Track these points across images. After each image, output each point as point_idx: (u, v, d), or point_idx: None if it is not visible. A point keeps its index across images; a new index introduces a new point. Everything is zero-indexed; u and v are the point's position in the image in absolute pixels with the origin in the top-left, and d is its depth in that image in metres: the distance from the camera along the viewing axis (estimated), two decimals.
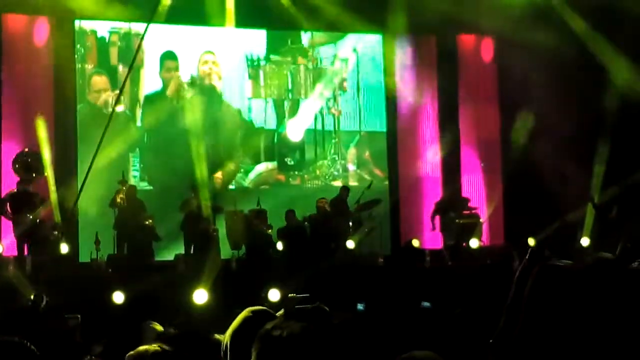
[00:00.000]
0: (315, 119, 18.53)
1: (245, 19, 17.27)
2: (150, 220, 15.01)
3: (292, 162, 18.36)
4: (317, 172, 18.43)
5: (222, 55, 17.80)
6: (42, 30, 16.29)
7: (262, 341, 2.72)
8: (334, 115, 18.68)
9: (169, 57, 17.64)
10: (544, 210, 16.89)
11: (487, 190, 18.42)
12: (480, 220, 16.69)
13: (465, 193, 17.91)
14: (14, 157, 14.77)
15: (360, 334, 4.66)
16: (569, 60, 16.00)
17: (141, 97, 17.41)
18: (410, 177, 18.13)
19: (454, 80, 18.77)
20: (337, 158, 18.59)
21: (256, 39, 18.20)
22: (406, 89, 18.32)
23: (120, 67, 17.19)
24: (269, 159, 18.22)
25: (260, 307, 3.39)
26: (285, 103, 18.43)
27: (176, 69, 17.67)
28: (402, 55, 18.27)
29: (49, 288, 12.14)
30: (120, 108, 16.96)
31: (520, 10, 16.20)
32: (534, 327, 2.30)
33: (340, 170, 18.51)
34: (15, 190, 14.20)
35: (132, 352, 3.30)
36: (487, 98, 18.83)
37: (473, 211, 16.79)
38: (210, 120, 17.37)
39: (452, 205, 16.69)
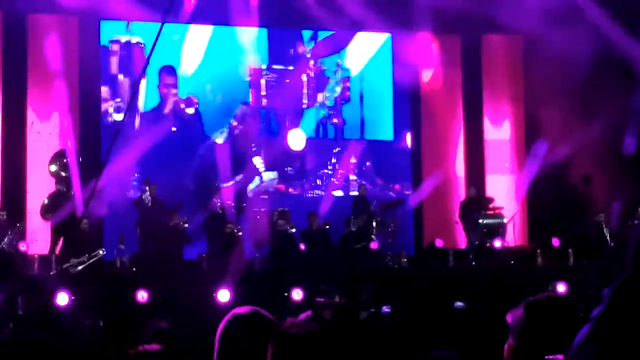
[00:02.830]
0: (317, 128, 18.47)
1: (268, 18, 17.24)
2: (186, 225, 15.04)
3: (293, 172, 18.26)
4: (318, 181, 18.31)
5: (223, 61, 17.71)
6: (68, 31, 16.37)
7: (279, 339, 2.68)
8: (335, 124, 18.62)
9: (167, 72, 17.57)
10: (568, 211, 16.80)
11: (511, 190, 18.29)
12: (504, 220, 16.60)
13: (489, 193, 17.81)
14: (51, 157, 14.93)
15: (385, 334, 4.66)
16: (596, 59, 15.86)
17: (140, 107, 17.37)
18: (434, 178, 18.00)
19: (479, 80, 18.66)
20: (338, 167, 18.44)
21: (258, 48, 18.02)
22: None
23: (122, 77, 17.29)
24: (269, 168, 18.04)
25: (251, 308, 3.28)
26: (287, 112, 18.35)
27: (174, 85, 17.62)
28: (426, 55, 18.18)
29: (73, 286, 12.25)
30: (119, 118, 16.83)
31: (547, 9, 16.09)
32: None
33: (342, 180, 18.35)
34: (55, 190, 14.49)
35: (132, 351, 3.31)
36: (513, 98, 18.71)
37: (497, 211, 16.70)
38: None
39: (476, 205, 16.62)
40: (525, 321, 2.93)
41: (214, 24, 17.49)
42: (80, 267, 13.58)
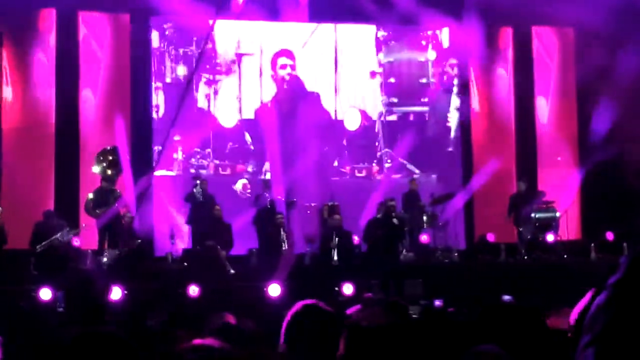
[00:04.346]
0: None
1: (318, 14, 17.22)
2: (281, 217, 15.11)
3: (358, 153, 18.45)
4: (388, 163, 18.35)
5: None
6: (119, 27, 16.53)
7: (351, 331, 2.78)
8: None
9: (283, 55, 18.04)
10: (622, 205, 16.55)
11: (564, 184, 18.07)
12: (557, 214, 16.39)
13: (541, 187, 17.61)
14: (95, 156, 15.01)
15: (437, 329, 4.62)
16: None
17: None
18: (485, 171, 17.83)
19: (530, 72, 18.46)
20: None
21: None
22: None
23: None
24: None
25: (313, 301, 3.45)
26: None
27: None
28: (476, 47, 18.01)
29: (126, 281, 12.37)
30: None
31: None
32: None
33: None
34: (100, 186, 14.60)
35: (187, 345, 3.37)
36: (565, 91, 18.49)
37: (549, 205, 16.51)
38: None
39: (528, 199, 16.43)
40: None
41: (263, 20, 17.47)
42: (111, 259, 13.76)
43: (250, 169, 17.62)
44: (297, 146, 17.09)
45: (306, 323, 3.29)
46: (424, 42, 18.92)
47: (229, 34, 17.97)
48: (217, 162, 17.63)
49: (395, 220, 15.21)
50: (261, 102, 17.90)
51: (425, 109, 18.85)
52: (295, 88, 18.19)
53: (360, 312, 5.43)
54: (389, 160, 18.45)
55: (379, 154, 18.56)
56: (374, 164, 18.51)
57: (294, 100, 18.02)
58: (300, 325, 3.29)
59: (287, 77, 18.14)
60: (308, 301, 3.37)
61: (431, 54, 18.84)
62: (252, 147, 17.91)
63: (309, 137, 17.11)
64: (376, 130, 18.56)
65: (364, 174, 18.39)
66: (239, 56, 17.98)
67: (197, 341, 3.40)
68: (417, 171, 18.05)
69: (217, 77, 17.91)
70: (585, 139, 17.77)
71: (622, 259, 2.28)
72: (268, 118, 17.59)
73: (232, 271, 14.02)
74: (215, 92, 17.90)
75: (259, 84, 18.11)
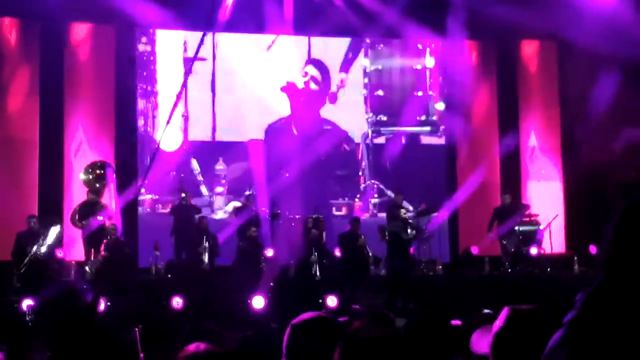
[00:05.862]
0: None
1: (303, 26, 17.18)
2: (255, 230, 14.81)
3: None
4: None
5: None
6: (105, 40, 16.46)
7: (346, 343, 2.75)
8: None
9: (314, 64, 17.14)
10: (606, 219, 16.58)
11: (547, 197, 18.11)
12: (540, 227, 16.43)
13: (525, 200, 17.64)
14: (85, 167, 14.99)
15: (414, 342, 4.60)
16: (634, 64, 15.69)
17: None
18: (469, 184, 17.81)
19: (514, 86, 18.51)
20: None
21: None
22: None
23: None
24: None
25: (322, 313, 3.36)
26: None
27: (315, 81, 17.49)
28: (461, 61, 18.01)
29: (109, 292, 12.33)
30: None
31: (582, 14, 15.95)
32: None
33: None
34: (87, 199, 14.54)
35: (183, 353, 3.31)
36: (548, 104, 18.55)
37: (533, 218, 16.55)
38: None
39: (512, 212, 16.45)
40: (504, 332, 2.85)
41: (248, 33, 17.37)
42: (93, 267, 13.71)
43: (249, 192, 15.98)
44: (287, 164, 16.30)
45: (313, 337, 3.13)
46: (420, 46, 17.30)
47: (174, 33, 16.11)
48: (155, 196, 15.81)
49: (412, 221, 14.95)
50: (275, 122, 16.63)
51: (425, 129, 16.96)
52: (309, 106, 16.80)
53: (353, 324, 5.39)
54: (375, 195, 17.00)
55: (362, 186, 16.92)
56: (356, 200, 16.84)
57: (305, 122, 16.79)
58: (308, 339, 3.14)
59: (302, 86, 16.73)
60: (311, 314, 3.25)
61: (429, 61, 17.44)
62: (200, 178, 16.06)
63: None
64: (359, 156, 17.05)
65: (343, 212, 16.67)
66: (188, 61, 16.13)
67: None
68: (411, 208, 16.41)
69: (157, 87, 16.03)
70: (569, 151, 17.82)
71: (577, 296, 2.29)
72: (276, 141, 16.44)
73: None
74: (154, 107, 16.03)
75: (211, 98, 16.29)
